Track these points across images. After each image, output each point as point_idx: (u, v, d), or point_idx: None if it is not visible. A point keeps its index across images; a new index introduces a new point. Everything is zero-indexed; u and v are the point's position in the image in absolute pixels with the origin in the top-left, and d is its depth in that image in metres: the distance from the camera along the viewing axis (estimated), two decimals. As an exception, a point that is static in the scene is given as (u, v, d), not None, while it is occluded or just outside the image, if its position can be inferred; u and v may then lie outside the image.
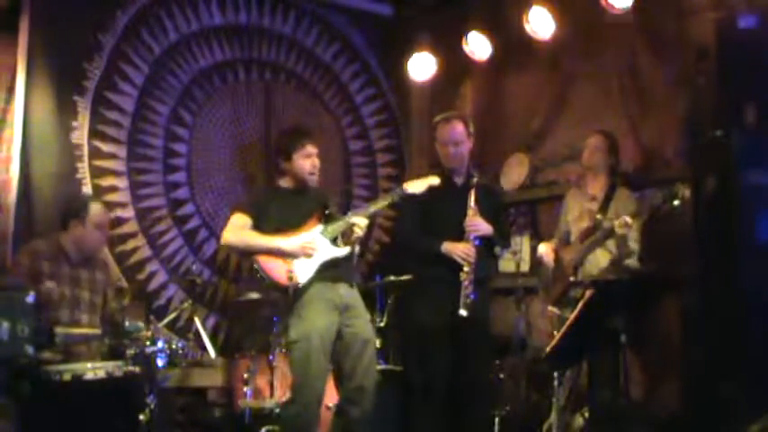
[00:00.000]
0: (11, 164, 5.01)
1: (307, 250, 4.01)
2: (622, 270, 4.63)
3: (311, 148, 4.20)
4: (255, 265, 4.04)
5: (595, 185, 4.79)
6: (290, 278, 3.95)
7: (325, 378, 4.01)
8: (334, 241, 4.11)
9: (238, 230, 4.09)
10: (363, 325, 4.13)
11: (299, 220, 4.13)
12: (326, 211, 4.18)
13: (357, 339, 4.03)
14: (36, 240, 4.27)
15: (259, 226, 4.11)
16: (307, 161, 4.19)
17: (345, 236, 4.11)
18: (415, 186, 4.29)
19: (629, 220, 4.35)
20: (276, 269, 4.00)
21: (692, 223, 4.76)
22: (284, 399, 4.39)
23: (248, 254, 4.12)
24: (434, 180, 4.33)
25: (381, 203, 4.35)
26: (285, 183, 4.27)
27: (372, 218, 6.02)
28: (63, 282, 4.10)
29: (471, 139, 4.53)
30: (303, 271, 4.01)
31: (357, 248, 4.23)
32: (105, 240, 4.43)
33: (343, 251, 4.12)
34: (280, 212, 4.13)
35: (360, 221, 4.08)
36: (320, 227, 4.14)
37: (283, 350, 4.58)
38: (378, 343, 5.04)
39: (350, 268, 4.21)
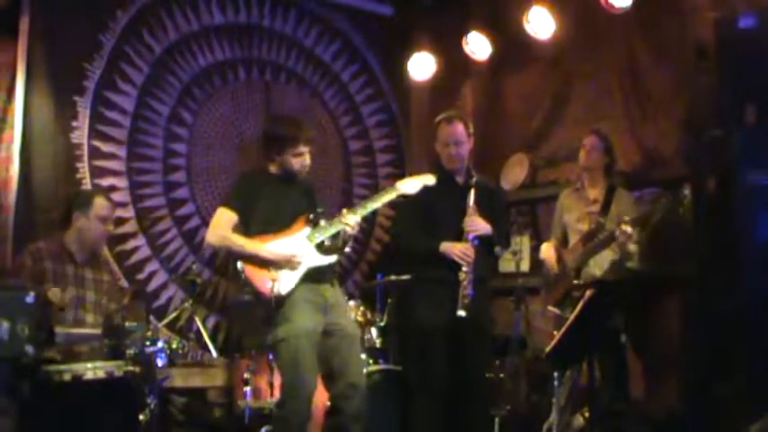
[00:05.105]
0: (11, 164, 5.01)
1: (293, 264, 3.95)
2: (623, 270, 4.63)
3: (303, 148, 4.09)
4: (239, 268, 3.97)
5: (595, 188, 4.76)
6: (273, 289, 3.88)
7: (315, 376, 3.98)
8: (319, 247, 4.03)
9: (222, 230, 4.02)
10: (348, 322, 4.15)
11: (286, 220, 4.05)
12: (314, 215, 4.07)
13: (345, 337, 4.02)
14: (39, 241, 4.26)
15: (245, 222, 4.04)
16: (296, 159, 4.09)
17: (334, 240, 4.04)
18: (409, 186, 4.23)
19: (629, 229, 4.34)
20: (261, 278, 3.92)
21: (691, 223, 4.77)
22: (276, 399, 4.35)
23: (232, 256, 4.04)
24: (429, 179, 4.28)
25: (376, 204, 4.21)
26: (273, 169, 4.16)
27: (371, 216, 6.05)
28: (68, 282, 4.09)
29: (471, 139, 4.52)
30: (287, 281, 3.94)
31: (349, 247, 4.14)
32: (108, 234, 4.40)
33: (327, 259, 4.04)
34: (268, 206, 4.05)
35: (352, 220, 4.01)
36: (307, 230, 4.05)
37: (270, 353, 4.46)
38: (378, 343, 5.06)
39: (331, 268, 4.13)
